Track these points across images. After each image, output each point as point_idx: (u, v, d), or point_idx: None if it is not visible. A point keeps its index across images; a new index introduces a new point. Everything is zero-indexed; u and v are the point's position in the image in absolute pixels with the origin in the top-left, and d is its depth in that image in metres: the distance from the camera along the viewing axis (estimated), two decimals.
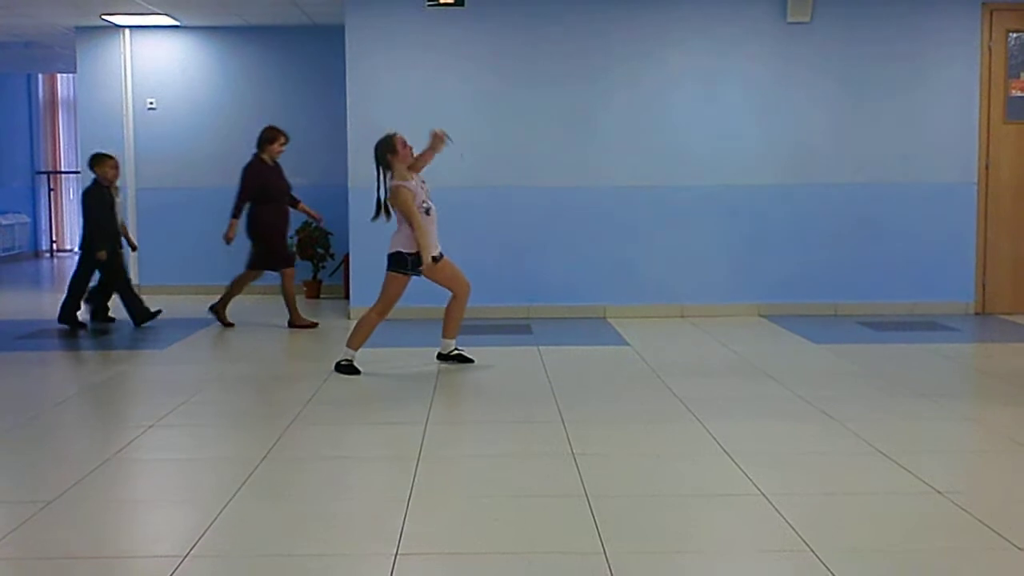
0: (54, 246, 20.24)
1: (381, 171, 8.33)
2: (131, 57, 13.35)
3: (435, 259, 8.09)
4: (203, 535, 4.44)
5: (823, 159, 10.98)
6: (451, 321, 8.53)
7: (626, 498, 4.97)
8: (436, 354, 8.62)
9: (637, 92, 11.02)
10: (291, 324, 10.61)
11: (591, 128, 11.05)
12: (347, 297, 11.70)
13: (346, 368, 8.19)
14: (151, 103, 13.36)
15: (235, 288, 10.80)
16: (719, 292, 11.10)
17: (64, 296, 10.55)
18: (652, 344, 9.42)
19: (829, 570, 3.99)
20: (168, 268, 13.49)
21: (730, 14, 11.00)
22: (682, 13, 11.00)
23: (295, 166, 13.29)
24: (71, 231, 20.38)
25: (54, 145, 20.29)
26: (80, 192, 10.72)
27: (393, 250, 8.16)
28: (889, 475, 5.31)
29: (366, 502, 4.96)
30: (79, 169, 14.46)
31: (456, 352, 8.55)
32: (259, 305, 12.12)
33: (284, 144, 10.56)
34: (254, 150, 10.58)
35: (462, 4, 10.77)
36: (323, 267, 13.09)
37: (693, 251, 11.06)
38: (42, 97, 20.15)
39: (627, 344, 9.39)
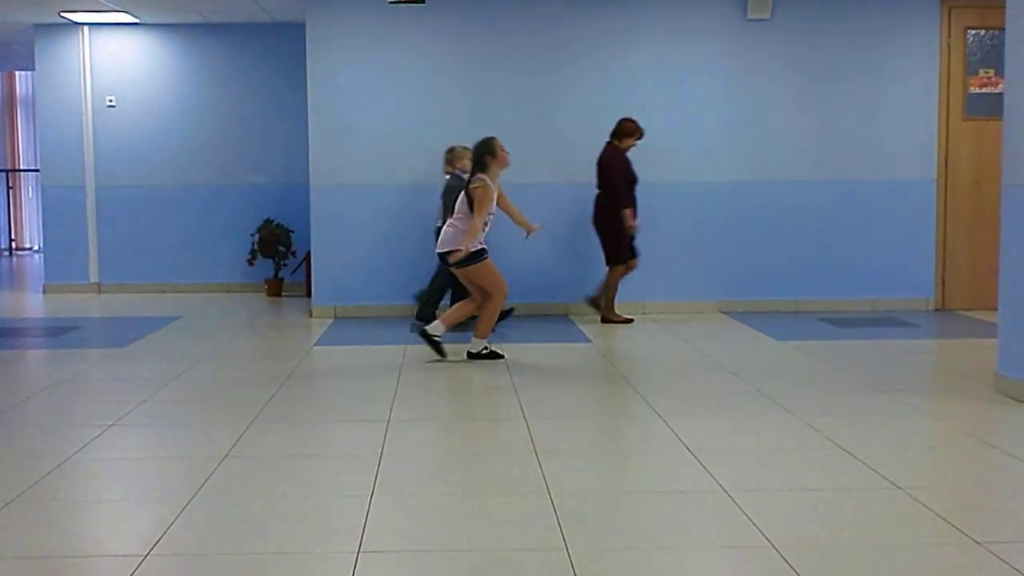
0: (13, 244, 20.08)
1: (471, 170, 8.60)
2: (90, 54, 13.26)
3: (461, 262, 8.28)
4: (164, 534, 4.41)
5: (783, 156, 11.04)
6: (483, 321, 8.53)
7: (588, 494, 4.98)
8: (466, 352, 8.59)
9: (599, 89, 11.05)
10: (604, 319, 10.53)
11: (553, 124, 11.07)
12: (308, 295, 11.67)
13: (488, 355, 8.45)
14: (110, 101, 13.28)
15: (610, 290, 10.58)
16: (680, 289, 11.14)
17: None
18: (614, 341, 9.44)
19: (790, 566, 4.01)
20: (128, 266, 13.40)
21: (691, 11, 11.05)
22: (643, 10, 11.03)
23: (255, 164, 13.33)
24: (30, 230, 20.24)
25: (12, 143, 20.14)
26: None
27: (451, 247, 8.33)
28: (850, 471, 5.33)
29: (328, 500, 4.94)
30: (38, 167, 14.34)
31: (488, 350, 8.56)
32: (224, 303, 12.08)
33: (639, 139, 10.39)
34: (607, 139, 10.42)
35: (423, 1, 10.76)
36: (284, 265, 13.05)
37: (654, 248, 11.07)
38: (0, 95, 19.98)
39: (589, 341, 9.41)
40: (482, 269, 8.38)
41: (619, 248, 10.36)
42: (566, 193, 11.04)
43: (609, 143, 10.38)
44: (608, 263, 10.46)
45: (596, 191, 10.42)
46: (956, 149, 11.10)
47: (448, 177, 10.09)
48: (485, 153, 8.44)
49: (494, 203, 8.37)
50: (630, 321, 10.51)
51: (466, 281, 8.52)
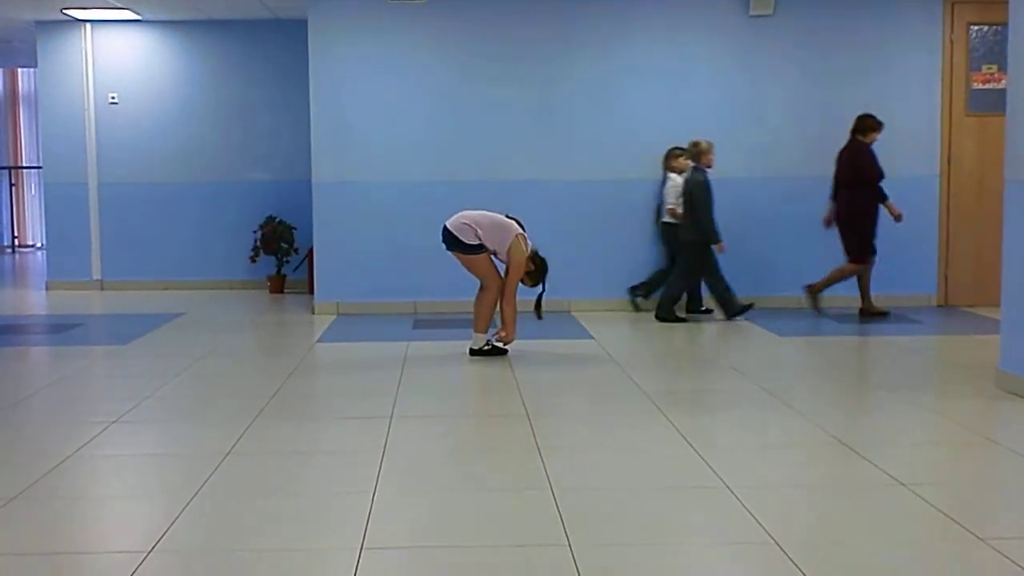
0: (15, 241, 20.08)
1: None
2: (92, 51, 13.25)
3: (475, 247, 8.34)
4: (167, 531, 4.41)
5: (786, 152, 11.03)
6: (480, 317, 8.54)
7: (591, 491, 4.97)
8: (468, 349, 8.59)
9: (599, 86, 11.04)
10: (863, 312, 10.53)
11: (553, 121, 11.06)
12: (311, 292, 11.67)
13: (490, 351, 8.50)
14: (113, 97, 13.27)
15: (863, 282, 10.55)
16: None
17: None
18: (616, 338, 9.43)
19: (793, 562, 4.01)
20: (130, 263, 13.40)
21: (693, 7, 11.04)
22: (645, 8, 11.02)
23: (257, 160, 13.33)
24: (33, 227, 20.25)
25: (15, 140, 20.13)
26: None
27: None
28: (853, 468, 5.33)
29: (331, 496, 4.94)
30: (41, 164, 14.34)
31: (490, 345, 8.55)
32: (227, 300, 12.09)
33: (879, 134, 10.38)
34: (848, 135, 10.42)
35: None
36: (287, 262, 13.04)
37: (657, 244, 11.07)
38: (2, 92, 19.98)
39: (592, 338, 9.40)
40: (481, 261, 8.38)
41: (863, 244, 10.33)
42: (568, 189, 11.04)
43: (853, 139, 10.36)
44: (849, 257, 10.43)
45: (831, 187, 10.46)
46: (959, 145, 11.09)
47: (687, 172, 10.35)
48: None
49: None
50: (887, 314, 10.50)
51: (468, 268, 8.48)
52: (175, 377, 7.78)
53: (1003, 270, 7.24)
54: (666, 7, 11.04)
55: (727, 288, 10.32)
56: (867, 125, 10.29)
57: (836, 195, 10.43)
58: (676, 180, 10.60)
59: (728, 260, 10.90)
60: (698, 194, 10.12)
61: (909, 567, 4.04)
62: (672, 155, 10.72)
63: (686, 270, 10.35)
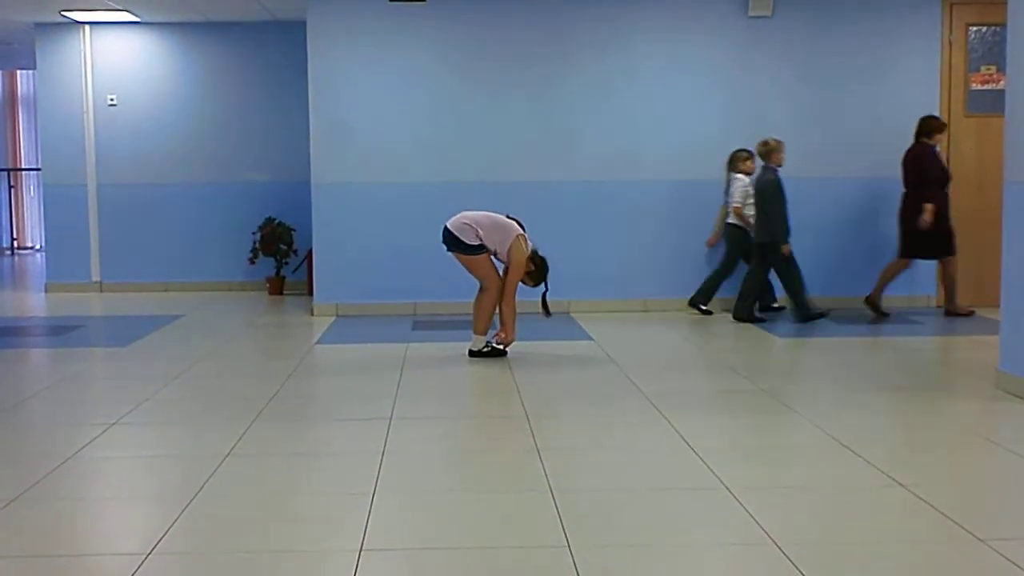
0: (14, 243, 20.08)
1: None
2: (91, 53, 13.26)
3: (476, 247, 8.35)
4: (166, 533, 4.41)
5: (786, 153, 11.01)
6: (479, 318, 8.54)
7: (590, 492, 4.97)
8: (467, 351, 8.59)
9: (599, 87, 11.05)
10: (948, 312, 10.63)
11: (553, 122, 11.07)
12: (310, 293, 11.67)
13: (489, 352, 8.52)
14: (112, 99, 13.28)
15: (887, 276, 10.62)
16: (683, 287, 11.11)
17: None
18: (616, 339, 9.43)
19: (792, 563, 4.01)
20: (129, 265, 13.40)
21: (692, 8, 11.05)
22: (644, 9, 11.03)
23: (256, 162, 13.33)
24: (32, 228, 20.25)
25: (14, 142, 20.14)
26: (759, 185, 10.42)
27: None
28: (852, 468, 5.33)
29: (330, 498, 4.94)
30: (40, 166, 14.35)
31: (489, 347, 8.55)
32: (226, 301, 12.08)
33: (943, 135, 10.45)
34: (913, 139, 10.44)
35: (424, 0, 10.79)
36: (286, 263, 13.05)
37: (657, 245, 11.09)
38: (1, 94, 19.99)
39: (591, 339, 9.40)
40: (481, 261, 8.38)
41: (940, 244, 10.34)
42: (567, 189, 11.04)
43: (918, 142, 10.36)
44: (901, 255, 10.50)
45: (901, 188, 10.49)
46: (957, 146, 11.10)
47: (758, 172, 10.42)
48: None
49: None
50: (971, 314, 10.55)
51: (468, 269, 8.49)
52: (174, 379, 7.78)
53: (1002, 271, 7.24)
54: (665, 9, 11.05)
55: (802, 289, 10.29)
56: (932, 127, 10.30)
57: (906, 197, 10.44)
58: (743, 181, 10.60)
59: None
60: (770, 193, 10.14)
61: (908, 568, 4.04)
62: (739, 157, 10.69)
63: (761, 270, 10.37)
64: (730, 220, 10.72)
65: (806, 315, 10.17)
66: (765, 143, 10.32)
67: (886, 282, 10.57)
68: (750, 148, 10.59)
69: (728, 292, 10.78)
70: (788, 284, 10.33)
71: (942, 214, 10.26)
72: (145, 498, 5.08)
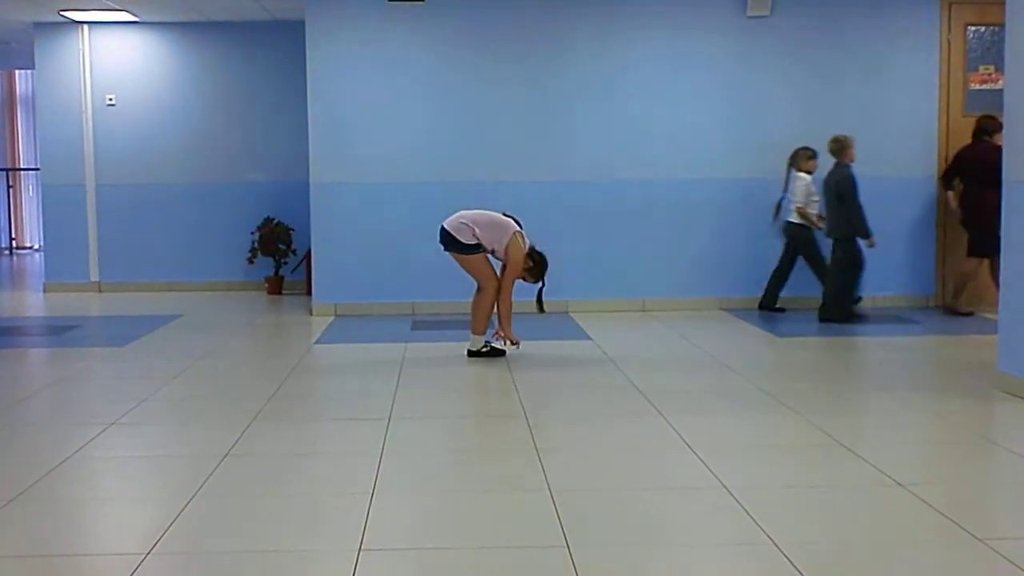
0: (13, 243, 20.08)
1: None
2: (90, 53, 13.25)
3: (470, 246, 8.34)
4: (165, 533, 4.40)
5: (783, 153, 10.97)
6: (477, 318, 8.51)
7: (589, 492, 4.97)
8: (466, 351, 8.58)
9: (598, 86, 11.04)
10: (948, 310, 10.70)
11: (552, 122, 11.06)
12: (309, 293, 11.67)
13: (488, 352, 8.48)
14: (110, 99, 13.27)
15: (965, 279, 10.60)
16: (681, 286, 11.12)
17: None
18: (614, 338, 9.42)
19: (790, 562, 4.00)
20: (128, 265, 13.39)
21: (690, 8, 11.04)
22: (642, 8, 11.02)
23: (255, 162, 13.32)
24: (30, 228, 20.24)
25: (12, 142, 20.13)
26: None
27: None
28: (851, 468, 5.33)
29: (329, 498, 4.93)
30: (38, 166, 14.34)
31: (488, 347, 8.54)
32: (224, 301, 12.08)
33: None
34: (984, 138, 10.46)
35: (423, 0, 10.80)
36: (285, 263, 13.04)
37: (655, 245, 11.09)
38: (0, 94, 19.98)
39: (589, 339, 9.40)
40: (478, 261, 8.38)
41: (989, 242, 10.16)
42: (565, 190, 11.04)
43: (980, 140, 10.40)
44: (969, 254, 10.48)
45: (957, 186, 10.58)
46: (957, 145, 11.06)
47: (832, 169, 10.32)
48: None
49: None
50: (971, 314, 10.53)
51: (465, 268, 8.48)
52: (173, 379, 7.77)
53: (1002, 271, 7.25)
54: (664, 8, 11.04)
55: (854, 289, 10.26)
56: (995, 126, 10.18)
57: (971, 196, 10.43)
58: (806, 180, 10.56)
59: (729, 260, 10.93)
60: (847, 188, 10.07)
61: (907, 568, 4.04)
62: (802, 156, 10.62)
63: (841, 266, 10.28)
64: (791, 219, 10.68)
65: (843, 315, 10.12)
66: (836, 140, 10.28)
67: (964, 284, 10.57)
68: (812, 146, 10.54)
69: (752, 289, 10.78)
70: (839, 280, 10.24)
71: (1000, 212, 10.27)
72: (144, 498, 5.08)
